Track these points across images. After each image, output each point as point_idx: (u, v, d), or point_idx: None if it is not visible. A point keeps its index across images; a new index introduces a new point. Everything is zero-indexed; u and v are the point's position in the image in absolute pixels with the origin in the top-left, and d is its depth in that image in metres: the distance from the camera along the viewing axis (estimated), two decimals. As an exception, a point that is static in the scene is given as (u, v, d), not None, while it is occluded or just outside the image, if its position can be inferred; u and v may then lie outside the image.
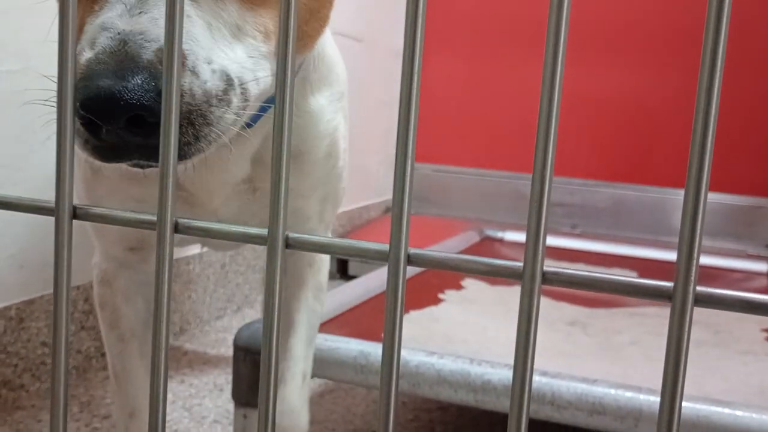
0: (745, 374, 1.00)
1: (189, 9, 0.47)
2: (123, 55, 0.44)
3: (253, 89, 0.50)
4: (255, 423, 0.93)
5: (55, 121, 0.41)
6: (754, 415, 0.78)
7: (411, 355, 0.89)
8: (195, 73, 0.46)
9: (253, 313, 1.64)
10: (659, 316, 1.25)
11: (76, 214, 0.41)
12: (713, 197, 1.90)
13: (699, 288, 0.31)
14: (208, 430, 1.10)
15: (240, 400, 0.94)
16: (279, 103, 0.36)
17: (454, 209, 2.08)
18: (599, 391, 0.83)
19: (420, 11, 0.33)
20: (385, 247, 0.36)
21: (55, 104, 0.40)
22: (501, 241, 1.83)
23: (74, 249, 0.41)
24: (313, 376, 0.95)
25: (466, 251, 1.68)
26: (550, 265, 0.33)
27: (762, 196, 1.93)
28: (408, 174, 0.34)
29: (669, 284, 0.32)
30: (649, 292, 0.32)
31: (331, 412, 1.17)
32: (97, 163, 0.48)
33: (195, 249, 1.49)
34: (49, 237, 1.14)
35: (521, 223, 1.91)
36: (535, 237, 0.33)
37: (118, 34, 0.44)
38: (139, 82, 0.43)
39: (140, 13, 0.45)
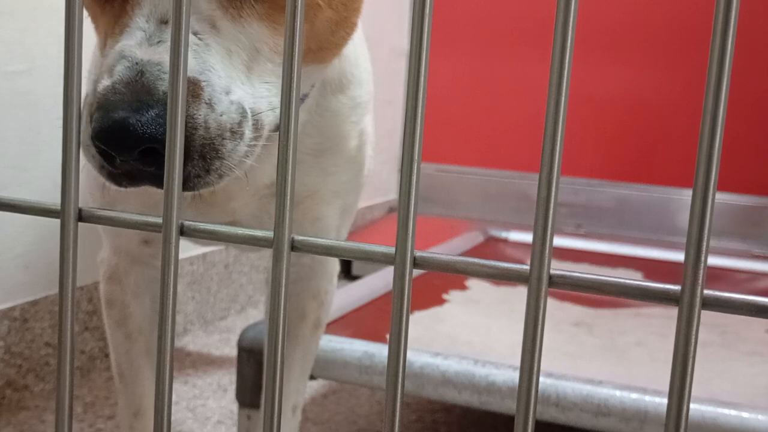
0: (751, 375, 1.00)
1: (208, 37, 0.47)
2: (139, 87, 0.44)
3: (267, 119, 0.50)
4: (258, 424, 0.93)
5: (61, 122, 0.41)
6: (760, 417, 0.77)
7: (415, 356, 0.89)
8: (211, 105, 0.46)
9: (257, 314, 1.64)
10: (665, 316, 1.25)
11: (81, 216, 0.41)
12: (719, 197, 1.89)
13: (706, 291, 0.31)
14: (212, 431, 1.10)
15: (244, 401, 0.94)
16: (285, 105, 0.36)
17: (458, 209, 2.08)
18: (604, 392, 0.82)
19: (426, 12, 0.33)
20: (391, 249, 0.36)
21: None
22: (505, 241, 1.83)
23: (78, 250, 0.41)
24: (317, 377, 0.95)
25: (470, 251, 1.67)
26: (556, 267, 0.33)
27: None
28: (414, 177, 0.34)
29: (676, 287, 0.31)
30: (656, 296, 0.32)
31: (334, 412, 1.17)
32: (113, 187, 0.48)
33: (199, 249, 1.49)
34: (53, 237, 1.14)
35: (525, 223, 1.90)
36: (542, 240, 0.33)
37: (136, 64, 0.45)
38: (153, 115, 0.43)
39: (159, 42, 0.45)
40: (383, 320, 1.09)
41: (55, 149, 1.15)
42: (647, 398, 0.81)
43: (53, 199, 0.43)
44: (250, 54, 0.49)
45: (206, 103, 0.46)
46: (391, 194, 2.21)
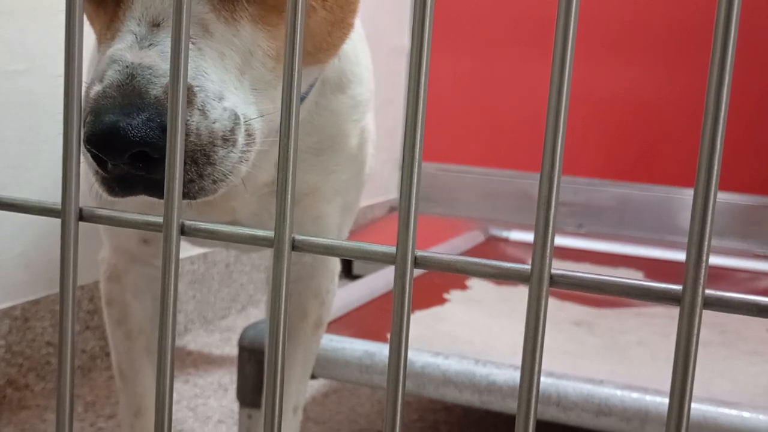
0: (752, 375, 1.00)
1: (200, 41, 0.47)
2: (130, 90, 0.44)
3: (258, 126, 0.49)
4: (259, 423, 0.93)
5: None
6: (761, 416, 0.77)
7: (416, 355, 0.89)
8: (203, 112, 0.45)
9: (258, 313, 1.64)
10: (666, 316, 1.25)
11: (82, 215, 0.41)
12: (720, 196, 1.89)
13: (708, 291, 0.31)
14: (213, 430, 1.10)
15: (245, 401, 0.94)
16: (286, 102, 0.36)
17: (459, 208, 2.08)
18: (605, 392, 0.82)
19: (428, 11, 0.33)
20: (392, 249, 0.36)
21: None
22: (506, 240, 1.83)
23: (79, 249, 0.41)
24: (318, 377, 0.95)
25: (471, 251, 1.67)
26: (557, 266, 0.33)
27: (768, 195, 1.93)
28: (415, 177, 0.34)
29: (678, 287, 0.31)
30: (657, 295, 0.32)
31: (335, 412, 1.17)
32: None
33: (200, 248, 1.49)
34: (54, 237, 1.14)
35: (526, 223, 1.90)
36: (543, 239, 0.33)
37: (126, 67, 0.44)
38: (144, 118, 0.43)
39: (150, 45, 0.45)
40: (384, 319, 1.09)
41: (56, 149, 1.15)
42: (648, 398, 0.81)
43: (54, 199, 0.43)
44: (244, 57, 0.49)
45: (199, 110, 0.45)
46: (392, 193, 2.21)
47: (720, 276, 1.58)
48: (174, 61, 0.36)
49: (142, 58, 0.45)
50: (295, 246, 0.37)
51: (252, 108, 0.49)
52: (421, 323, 1.10)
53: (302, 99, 0.62)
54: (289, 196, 0.37)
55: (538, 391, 0.33)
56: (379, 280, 1.24)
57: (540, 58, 1.99)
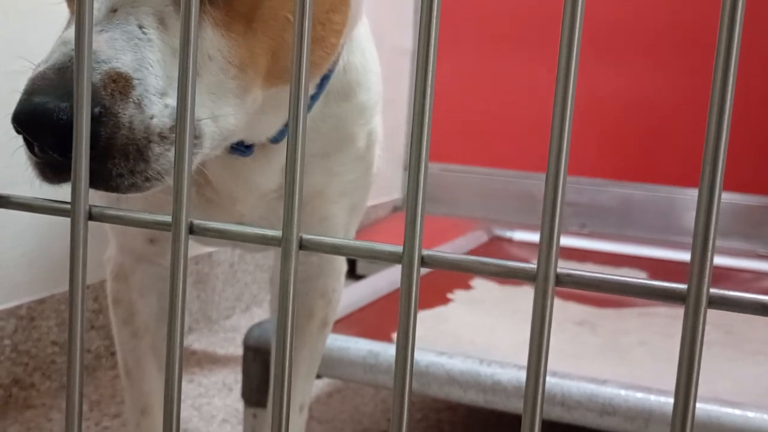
0: (756, 375, 1.00)
1: (152, 32, 0.46)
2: (69, 73, 0.43)
3: (208, 129, 0.48)
4: (264, 423, 0.93)
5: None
6: (766, 417, 0.77)
7: (421, 355, 0.89)
8: (140, 105, 0.44)
9: (262, 313, 1.64)
10: (669, 316, 1.25)
11: (92, 215, 0.41)
12: (723, 196, 1.88)
13: (713, 290, 0.31)
14: (218, 430, 1.11)
15: (250, 400, 0.94)
16: (293, 106, 0.36)
17: (463, 208, 2.08)
18: (609, 391, 0.83)
19: (434, 13, 0.33)
20: (399, 248, 0.36)
21: None
22: (510, 240, 1.83)
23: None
24: (322, 376, 0.96)
25: (475, 251, 1.68)
26: (561, 266, 0.33)
27: (772, 195, 1.92)
28: (422, 176, 0.34)
29: (682, 286, 0.32)
30: (662, 294, 0.32)
31: (339, 411, 1.18)
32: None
33: (204, 248, 1.49)
34: (58, 236, 1.15)
35: (530, 223, 1.90)
36: (548, 239, 0.33)
37: (72, 50, 0.43)
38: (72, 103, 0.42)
39: (101, 31, 0.45)
40: (388, 319, 1.10)
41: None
42: (652, 397, 0.81)
43: (61, 196, 0.43)
44: (201, 60, 0.47)
45: (134, 103, 0.44)
46: (395, 193, 2.21)
47: (723, 276, 1.58)
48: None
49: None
50: (302, 245, 0.38)
51: (203, 110, 0.47)
52: (424, 323, 1.10)
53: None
54: (297, 196, 0.37)
55: (543, 390, 0.34)
56: (382, 280, 1.24)
57: (544, 59, 2.00)
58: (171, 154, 0.46)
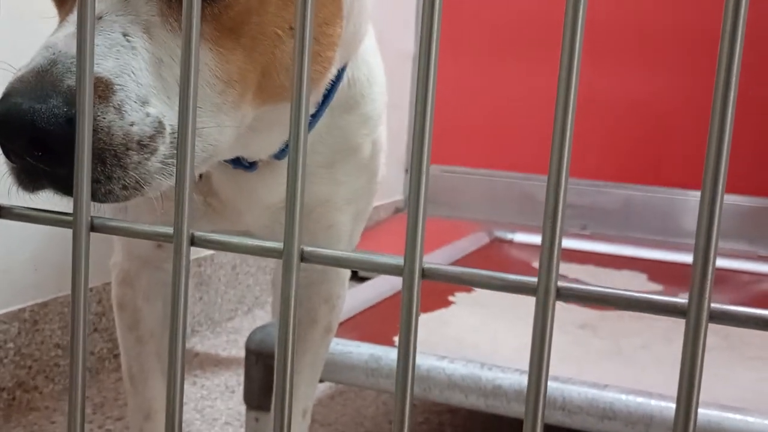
0: (755, 380, 1.00)
1: (137, 41, 0.45)
2: (48, 76, 0.42)
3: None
4: (266, 426, 0.94)
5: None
6: (765, 422, 0.77)
7: (422, 359, 0.89)
8: (120, 111, 0.44)
9: (264, 314, 1.65)
10: (670, 320, 1.25)
11: (94, 226, 0.41)
12: (724, 198, 1.89)
13: (714, 305, 0.31)
14: (220, 432, 1.11)
15: (252, 404, 0.94)
16: (294, 115, 0.36)
17: (464, 210, 2.08)
18: (610, 396, 0.83)
19: (435, 16, 0.33)
20: (400, 260, 0.36)
21: None
22: (510, 242, 1.83)
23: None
24: (324, 380, 0.96)
25: (475, 253, 1.68)
26: (561, 269, 0.33)
27: (773, 197, 1.92)
28: (423, 187, 0.35)
29: (684, 301, 0.32)
30: (663, 309, 0.32)
31: (341, 414, 1.18)
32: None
33: (207, 250, 1.50)
34: (63, 239, 1.15)
35: (530, 224, 1.90)
36: (549, 252, 0.33)
37: (53, 54, 0.43)
38: (49, 106, 0.41)
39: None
40: (390, 323, 1.10)
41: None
42: (653, 402, 0.81)
43: (61, 203, 0.43)
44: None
45: (115, 108, 0.43)
46: (397, 195, 2.22)
47: (723, 278, 1.58)
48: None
49: (70, 47, 0.43)
50: (303, 257, 0.38)
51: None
52: (426, 326, 1.10)
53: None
54: (298, 209, 0.37)
55: (545, 399, 0.34)
56: (385, 283, 1.24)
57: (545, 61, 2.00)
58: (150, 164, 0.45)
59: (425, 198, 0.35)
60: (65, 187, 0.44)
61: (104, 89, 0.43)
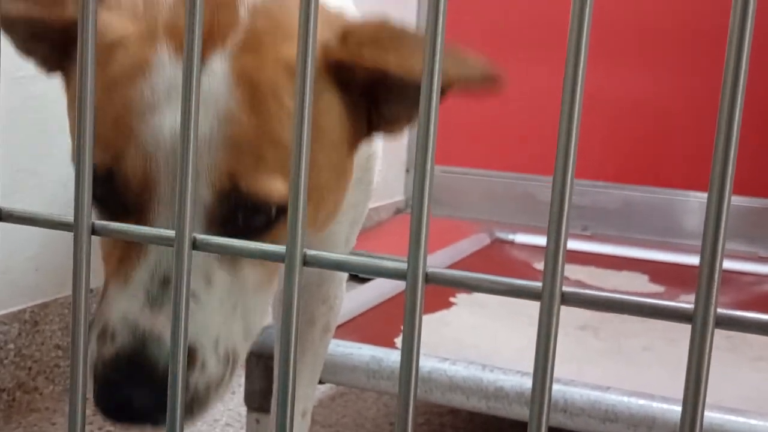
0: (758, 381, 1.00)
1: (202, 295, 0.48)
2: (142, 360, 0.46)
3: (242, 348, 0.52)
4: (267, 428, 0.93)
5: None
6: (768, 424, 0.77)
7: (423, 361, 0.89)
8: (203, 367, 0.48)
9: (264, 315, 1.64)
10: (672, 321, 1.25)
11: (95, 229, 0.41)
12: (725, 199, 1.88)
13: (720, 310, 0.31)
14: (220, 434, 1.11)
15: (252, 405, 0.94)
16: (297, 110, 0.36)
17: (465, 211, 2.08)
18: (612, 398, 0.82)
19: (440, 17, 0.33)
20: (403, 265, 0.36)
21: None
22: (512, 243, 1.83)
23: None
24: (325, 382, 0.96)
25: (477, 254, 1.67)
26: (565, 273, 0.33)
27: (775, 197, 1.92)
28: (426, 192, 0.34)
29: (689, 306, 0.32)
30: (668, 314, 0.32)
31: (341, 416, 1.18)
32: None
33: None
34: (63, 240, 1.15)
35: (532, 225, 1.90)
36: (554, 257, 0.33)
37: (139, 333, 0.46)
38: (153, 398, 0.45)
39: (161, 306, 0.47)
40: (391, 324, 1.09)
41: (65, 154, 1.15)
42: (655, 405, 0.81)
43: (64, 203, 0.43)
44: (240, 295, 0.50)
45: (199, 368, 0.48)
46: (398, 195, 2.21)
47: (725, 279, 1.57)
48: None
49: (153, 324, 0.46)
50: (306, 261, 0.38)
51: (242, 346, 0.51)
52: (427, 327, 1.10)
53: None
54: (300, 213, 0.37)
55: (549, 407, 0.34)
56: (386, 284, 1.24)
57: (548, 61, 1.99)
58: (222, 389, 0.50)
59: (428, 202, 0.34)
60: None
61: (191, 355, 0.47)
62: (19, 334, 1.11)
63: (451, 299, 1.28)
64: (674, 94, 2.00)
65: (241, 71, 0.48)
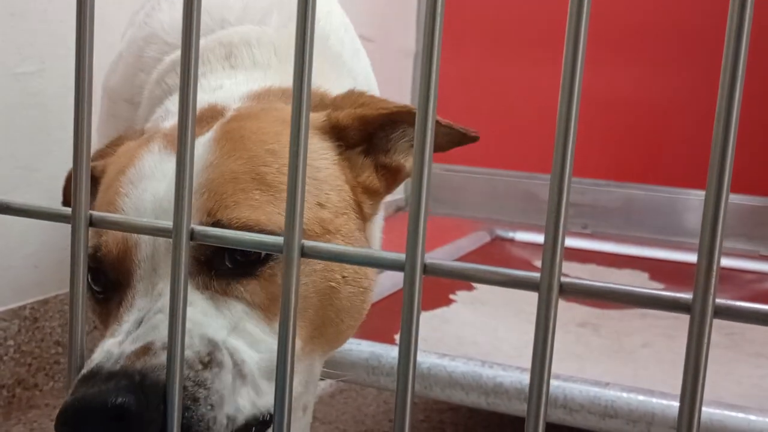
0: (757, 377, 1.00)
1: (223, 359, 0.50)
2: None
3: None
4: (267, 424, 0.93)
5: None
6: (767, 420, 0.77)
7: (423, 357, 0.89)
8: (213, 408, 0.48)
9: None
10: (671, 317, 1.25)
11: (92, 221, 0.41)
12: (726, 197, 1.88)
13: (718, 300, 0.31)
14: (220, 430, 1.11)
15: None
16: (295, 109, 0.36)
17: (465, 209, 2.08)
18: (611, 394, 0.82)
19: (438, 14, 0.33)
20: (401, 256, 0.36)
21: None
22: (512, 241, 1.83)
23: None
24: (325, 378, 0.96)
25: (477, 251, 1.67)
26: (565, 270, 0.33)
27: (775, 196, 1.92)
28: (425, 184, 0.34)
29: (688, 296, 0.31)
30: (667, 305, 0.32)
31: (342, 412, 1.18)
32: None
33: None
34: (63, 237, 1.15)
35: (532, 223, 1.90)
36: (552, 248, 0.33)
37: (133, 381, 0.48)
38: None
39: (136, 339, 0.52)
40: (390, 320, 1.09)
41: (65, 150, 1.15)
42: (654, 400, 0.81)
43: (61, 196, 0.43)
44: (245, 354, 0.52)
45: (209, 406, 0.47)
46: (398, 194, 2.21)
47: (725, 277, 1.58)
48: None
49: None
50: (304, 252, 0.38)
51: (246, 408, 0.51)
52: (427, 324, 1.10)
53: None
54: (298, 203, 0.37)
55: (547, 397, 0.34)
56: (386, 280, 1.24)
57: (547, 59, 1.99)
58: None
59: (427, 192, 0.34)
60: None
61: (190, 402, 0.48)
62: (19, 330, 1.11)
63: (451, 296, 1.28)
64: (675, 93, 2.00)
65: (225, 131, 0.55)
